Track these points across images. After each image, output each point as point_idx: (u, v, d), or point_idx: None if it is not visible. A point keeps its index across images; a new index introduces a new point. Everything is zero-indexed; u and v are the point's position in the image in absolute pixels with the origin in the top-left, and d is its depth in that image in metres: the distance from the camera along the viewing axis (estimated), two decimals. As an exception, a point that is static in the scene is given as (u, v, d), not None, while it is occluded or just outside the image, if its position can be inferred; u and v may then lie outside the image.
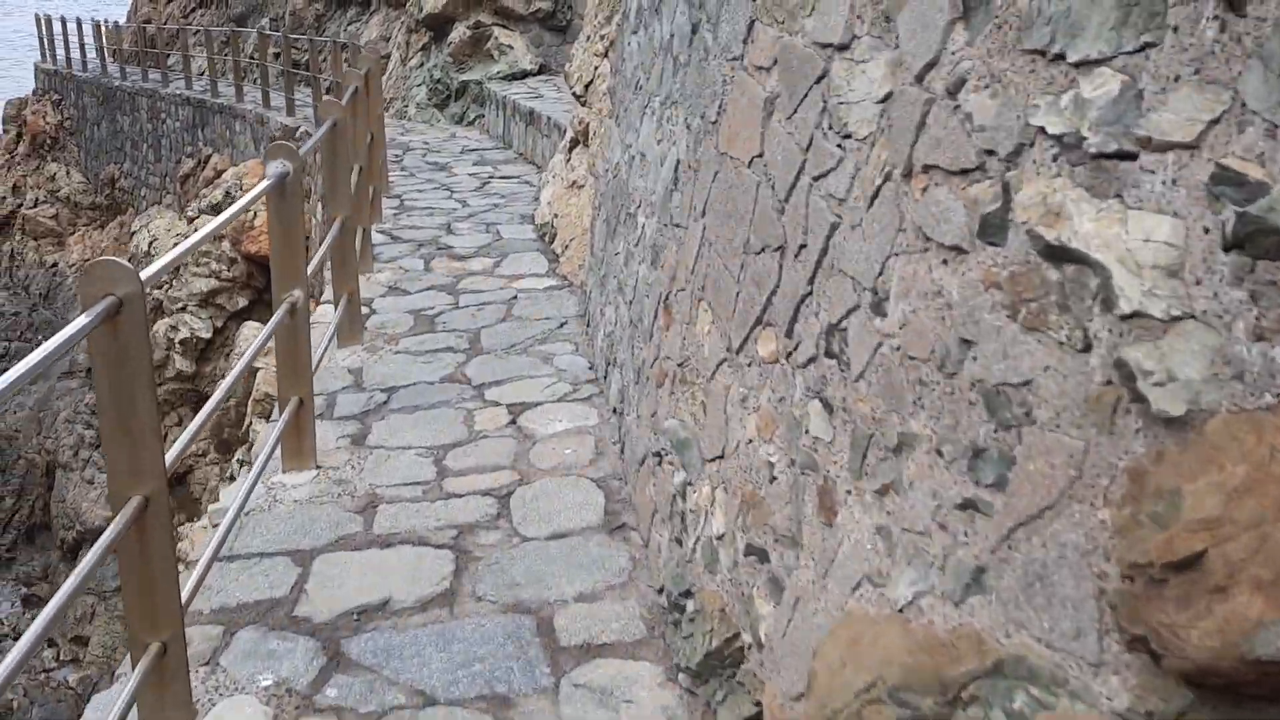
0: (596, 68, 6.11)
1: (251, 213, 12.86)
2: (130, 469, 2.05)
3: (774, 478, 2.12)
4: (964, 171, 1.53)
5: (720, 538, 2.39)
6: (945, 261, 1.56)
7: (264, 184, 3.16)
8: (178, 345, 12.45)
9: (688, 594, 2.53)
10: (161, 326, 12.50)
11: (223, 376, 13.08)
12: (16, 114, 22.22)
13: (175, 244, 15.19)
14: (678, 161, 3.21)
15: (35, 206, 20.97)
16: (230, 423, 10.69)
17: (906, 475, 1.62)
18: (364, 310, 5.25)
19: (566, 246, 5.83)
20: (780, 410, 2.12)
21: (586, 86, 6.28)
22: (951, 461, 1.50)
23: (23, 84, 24.96)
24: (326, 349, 4.30)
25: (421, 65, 12.75)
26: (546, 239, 6.38)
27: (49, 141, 21.48)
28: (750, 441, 2.27)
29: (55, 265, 20.20)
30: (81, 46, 20.33)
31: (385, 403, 4.18)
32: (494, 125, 11.10)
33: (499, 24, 11.96)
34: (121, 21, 22.22)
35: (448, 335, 4.93)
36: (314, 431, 3.58)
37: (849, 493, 1.80)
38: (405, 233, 6.77)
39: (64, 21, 21.05)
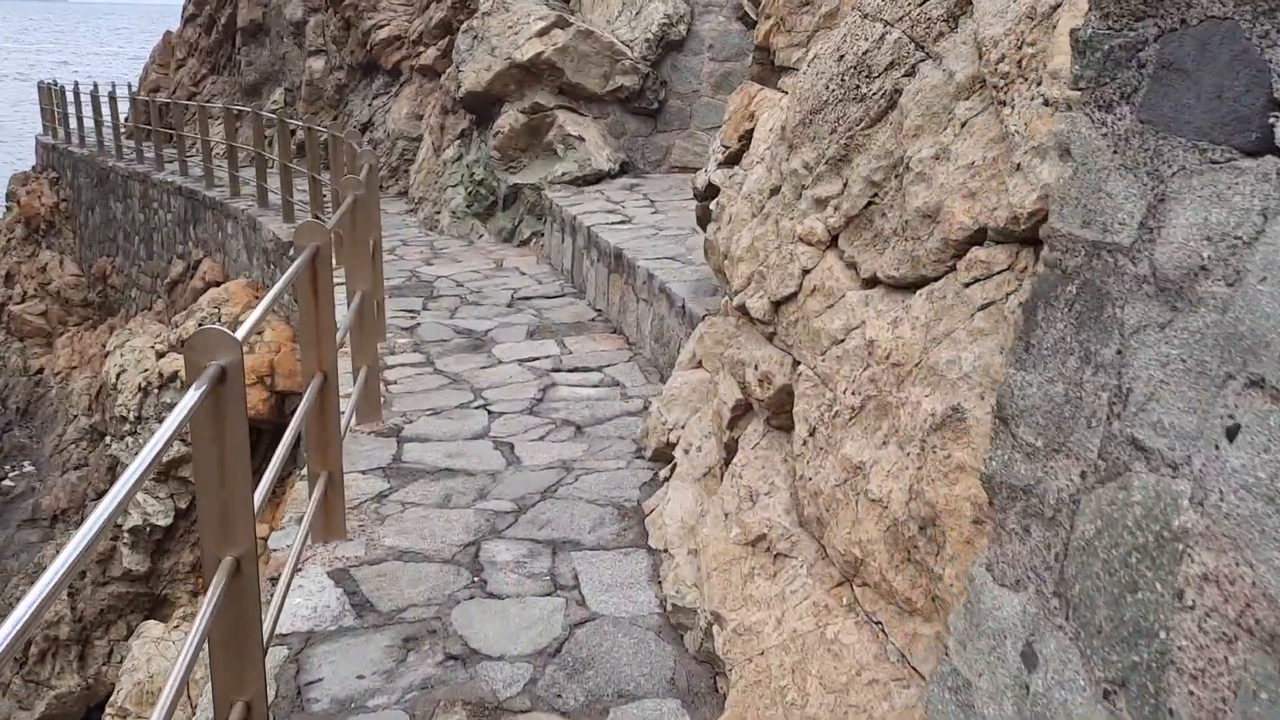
0: (807, 272, 2.70)
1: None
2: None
3: None
4: None
5: None
6: None
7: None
8: (125, 535, 9.20)
9: None
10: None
11: (189, 574, 9.80)
12: (16, 191, 19.62)
13: (141, 383, 12.11)
14: None
15: (24, 301, 18.18)
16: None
17: None
18: None
19: (754, 739, 2.34)
20: None
21: (778, 305, 2.87)
22: None
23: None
24: None
25: (460, 158, 9.50)
26: (691, 650, 2.91)
27: (43, 225, 18.74)
28: None
29: (40, 372, 17.29)
30: (80, 119, 17.58)
31: None
32: (557, 253, 7.75)
33: (564, 106, 8.64)
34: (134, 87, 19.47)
35: None
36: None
37: None
38: (386, 581, 3.32)
39: (63, 90, 18.39)
